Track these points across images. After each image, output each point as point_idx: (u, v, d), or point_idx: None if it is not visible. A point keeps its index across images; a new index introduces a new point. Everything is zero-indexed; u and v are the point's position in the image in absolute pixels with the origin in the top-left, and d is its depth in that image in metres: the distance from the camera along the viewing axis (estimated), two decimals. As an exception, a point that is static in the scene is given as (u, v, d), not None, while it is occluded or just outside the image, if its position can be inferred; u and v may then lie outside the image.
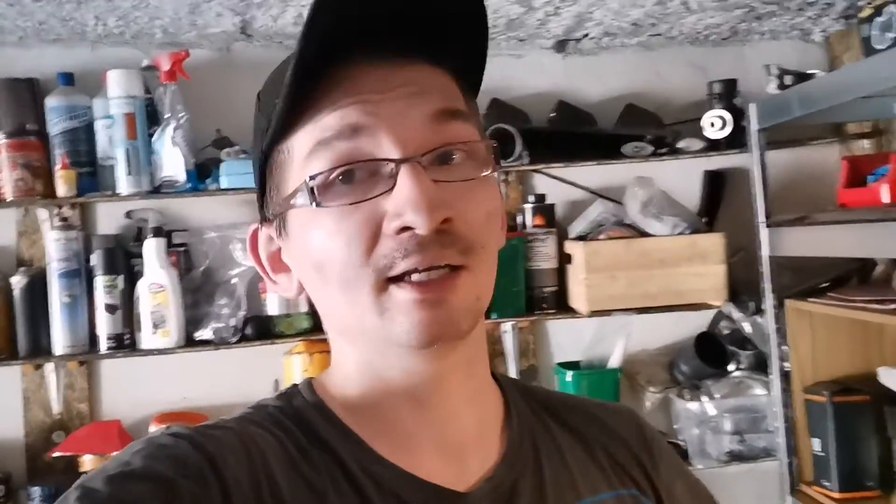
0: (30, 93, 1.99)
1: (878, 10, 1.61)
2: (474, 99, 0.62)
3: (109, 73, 1.95)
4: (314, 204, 0.55)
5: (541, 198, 2.12)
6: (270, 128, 0.58)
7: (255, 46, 2.10)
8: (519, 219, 2.14)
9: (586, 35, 2.12)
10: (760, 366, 2.05)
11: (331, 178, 0.55)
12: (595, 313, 2.00)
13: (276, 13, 1.85)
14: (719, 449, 2.02)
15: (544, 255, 2.10)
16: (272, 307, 2.02)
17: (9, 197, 1.97)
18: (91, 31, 1.97)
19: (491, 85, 2.17)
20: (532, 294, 2.10)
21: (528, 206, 2.11)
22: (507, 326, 2.16)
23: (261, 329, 2.01)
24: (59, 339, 1.96)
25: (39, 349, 1.99)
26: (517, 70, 2.22)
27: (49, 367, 2.05)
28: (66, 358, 1.98)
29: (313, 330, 2.01)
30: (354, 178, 0.55)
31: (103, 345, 1.97)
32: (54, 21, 1.88)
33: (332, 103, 0.55)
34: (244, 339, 2.01)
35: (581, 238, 2.07)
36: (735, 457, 2.02)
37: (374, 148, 0.54)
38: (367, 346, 0.59)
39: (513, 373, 2.14)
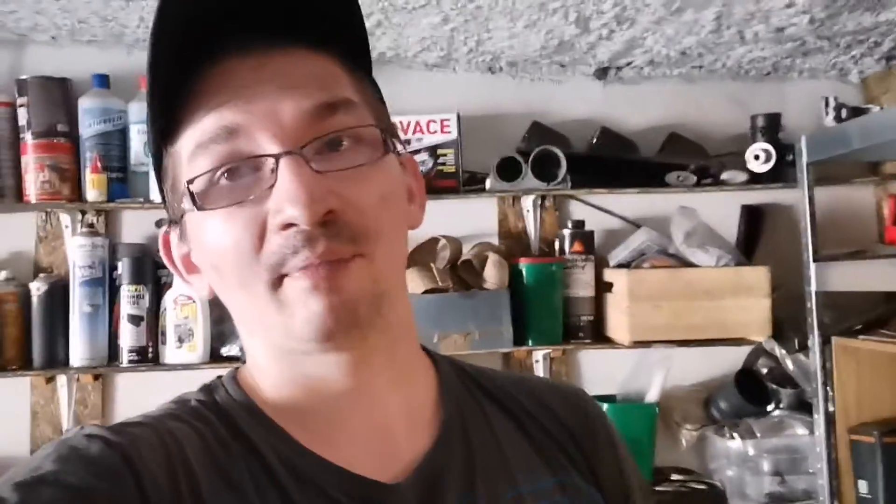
0: (62, 93, 1.92)
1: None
2: (367, 76, 0.60)
3: (149, 76, 1.89)
4: (196, 208, 0.54)
5: (579, 224, 2.07)
6: (149, 134, 0.57)
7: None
8: (556, 244, 2.09)
9: (629, 63, 2.11)
10: (802, 405, 2.00)
11: (214, 179, 0.53)
12: (636, 344, 1.94)
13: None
14: (759, 490, 1.95)
15: (582, 283, 2.04)
16: (302, 325, 1.94)
17: (33, 199, 1.89)
18: (130, 33, 1.91)
19: (531, 108, 2.16)
20: (568, 322, 2.05)
21: (566, 232, 2.06)
22: (538, 355, 2.10)
23: (290, 347, 1.93)
24: (78, 351, 1.87)
25: (55, 361, 1.89)
26: (557, 96, 2.20)
27: (61, 381, 1.95)
28: (84, 370, 1.88)
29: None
30: (238, 177, 0.53)
31: (124, 358, 1.88)
32: (95, 20, 1.83)
33: (206, 102, 0.53)
34: (272, 357, 1.92)
35: (623, 266, 2.02)
36: (775, 499, 1.95)
37: (252, 147, 0.53)
38: (277, 341, 0.57)
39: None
